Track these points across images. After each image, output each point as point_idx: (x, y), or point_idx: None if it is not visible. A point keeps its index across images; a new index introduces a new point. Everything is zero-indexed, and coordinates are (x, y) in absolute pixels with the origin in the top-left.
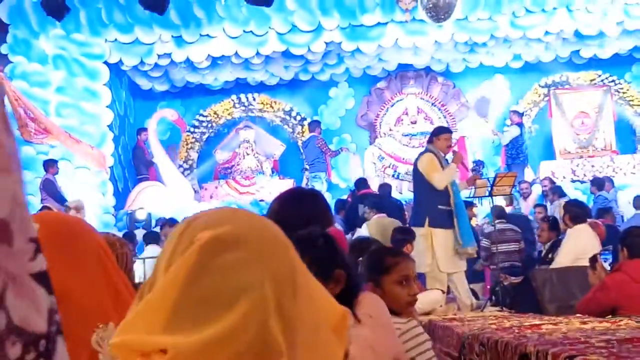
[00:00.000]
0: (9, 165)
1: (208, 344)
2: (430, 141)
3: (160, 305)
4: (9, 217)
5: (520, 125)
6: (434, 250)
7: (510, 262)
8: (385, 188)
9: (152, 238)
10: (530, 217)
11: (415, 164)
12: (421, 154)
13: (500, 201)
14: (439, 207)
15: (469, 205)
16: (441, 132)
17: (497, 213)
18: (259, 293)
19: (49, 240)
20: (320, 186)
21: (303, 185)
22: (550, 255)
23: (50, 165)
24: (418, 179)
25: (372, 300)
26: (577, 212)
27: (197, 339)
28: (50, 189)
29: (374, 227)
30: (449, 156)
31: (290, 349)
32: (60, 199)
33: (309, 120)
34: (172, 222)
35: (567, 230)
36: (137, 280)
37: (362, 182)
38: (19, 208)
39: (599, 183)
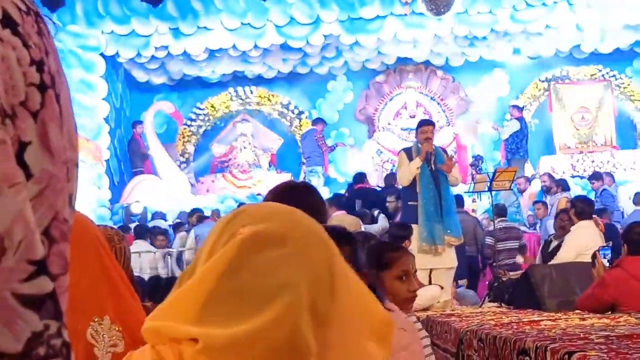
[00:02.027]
0: (17, 183)
1: (239, 339)
2: (416, 136)
3: (195, 295)
4: (4, 233)
5: (520, 119)
6: None
7: (513, 258)
8: (390, 179)
9: (142, 233)
10: (530, 212)
11: None
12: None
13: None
14: (409, 203)
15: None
16: (419, 125)
17: (498, 211)
18: (295, 293)
19: None
20: (317, 180)
21: (300, 179)
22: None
23: None
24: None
25: (405, 326)
26: (582, 208)
27: (229, 333)
28: None
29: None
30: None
31: (322, 352)
32: None
33: (306, 113)
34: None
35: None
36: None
37: (359, 176)
38: (21, 226)
39: (598, 177)
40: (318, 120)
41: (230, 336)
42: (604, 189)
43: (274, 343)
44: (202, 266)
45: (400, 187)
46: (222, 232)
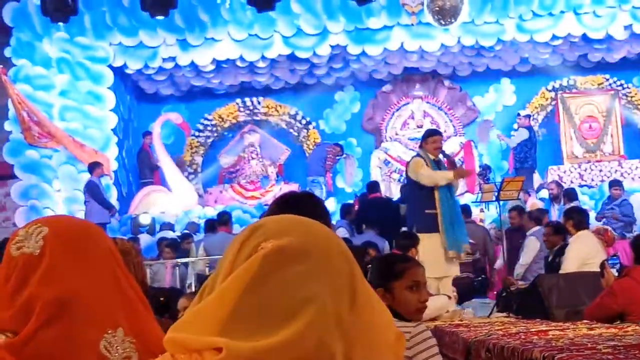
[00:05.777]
0: None
1: (264, 351)
2: (421, 145)
3: (218, 309)
4: None
5: (529, 128)
6: (420, 256)
7: (466, 272)
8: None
9: None
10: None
11: (406, 171)
12: (410, 159)
13: None
14: (426, 211)
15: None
16: (430, 134)
17: None
18: (320, 307)
19: (58, 244)
20: (320, 191)
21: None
22: (557, 260)
23: (94, 167)
24: (408, 185)
25: None
26: (579, 219)
27: (254, 344)
28: (95, 193)
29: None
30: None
31: None
32: (106, 204)
33: (314, 124)
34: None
35: (571, 237)
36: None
37: (373, 186)
38: None
39: (620, 184)
40: (339, 145)
41: (256, 347)
42: (624, 199)
43: (300, 356)
44: (223, 280)
45: (407, 195)
46: (242, 246)
